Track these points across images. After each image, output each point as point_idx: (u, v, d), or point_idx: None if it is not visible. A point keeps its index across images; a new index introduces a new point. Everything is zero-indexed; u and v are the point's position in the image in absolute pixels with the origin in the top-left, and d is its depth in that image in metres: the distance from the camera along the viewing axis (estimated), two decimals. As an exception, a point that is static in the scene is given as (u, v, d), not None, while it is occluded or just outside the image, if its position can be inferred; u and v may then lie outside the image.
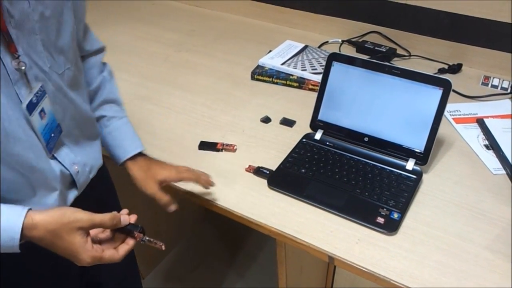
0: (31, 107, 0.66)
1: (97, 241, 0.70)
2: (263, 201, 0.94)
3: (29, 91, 0.66)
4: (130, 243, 0.73)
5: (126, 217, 0.73)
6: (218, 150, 1.07)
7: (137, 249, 1.74)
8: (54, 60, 0.70)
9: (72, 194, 0.79)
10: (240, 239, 1.97)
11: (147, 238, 0.75)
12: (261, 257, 1.89)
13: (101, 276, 1.03)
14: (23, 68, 0.64)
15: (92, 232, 0.70)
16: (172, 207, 0.86)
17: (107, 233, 0.72)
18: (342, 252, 0.82)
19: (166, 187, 0.91)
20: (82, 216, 0.66)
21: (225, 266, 1.86)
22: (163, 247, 0.74)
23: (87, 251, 0.66)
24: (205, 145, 1.09)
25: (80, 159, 0.79)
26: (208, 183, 0.90)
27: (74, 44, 0.75)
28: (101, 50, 0.92)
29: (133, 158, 0.88)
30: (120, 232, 0.73)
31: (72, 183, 0.79)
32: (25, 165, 0.68)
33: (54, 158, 0.74)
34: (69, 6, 0.72)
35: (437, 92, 0.94)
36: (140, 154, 0.89)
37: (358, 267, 0.80)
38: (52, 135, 0.71)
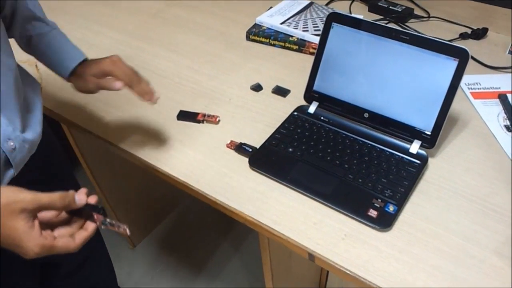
0: None
1: (48, 227, 0.60)
2: (242, 184, 0.83)
3: None
4: (89, 228, 0.63)
5: (82, 196, 0.61)
6: (198, 122, 0.95)
7: (128, 217, 1.70)
8: None
9: (8, 175, 0.68)
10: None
11: (109, 220, 0.64)
12: (259, 228, 1.80)
13: (58, 257, 0.95)
14: None
15: (43, 216, 0.59)
16: (118, 84, 0.74)
17: (62, 216, 0.62)
18: (324, 249, 0.71)
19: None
20: (25, 195, 0.55)
21: (220, 236, 1.79)
22: (127, 231, 0.64)
23: (33, 239, 0.55)
24: (184, 115, 0.97)
25: (19, 134, 0.68)
26: (151, 100, 0.77)
27: None
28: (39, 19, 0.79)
29: (74, 71, 0.79)
30: (78, 216, 0.63)
31: (6, 162, 0.68)
32: None
33: None
34: None
35: (452, 64, 0.79)
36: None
37: (340, 268, 0.69)
38: None
